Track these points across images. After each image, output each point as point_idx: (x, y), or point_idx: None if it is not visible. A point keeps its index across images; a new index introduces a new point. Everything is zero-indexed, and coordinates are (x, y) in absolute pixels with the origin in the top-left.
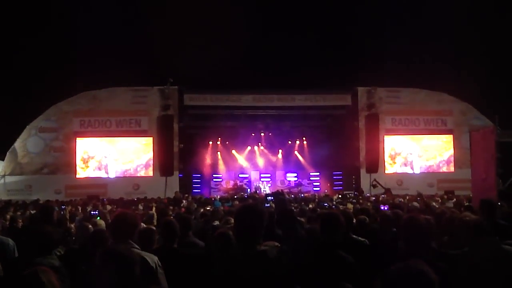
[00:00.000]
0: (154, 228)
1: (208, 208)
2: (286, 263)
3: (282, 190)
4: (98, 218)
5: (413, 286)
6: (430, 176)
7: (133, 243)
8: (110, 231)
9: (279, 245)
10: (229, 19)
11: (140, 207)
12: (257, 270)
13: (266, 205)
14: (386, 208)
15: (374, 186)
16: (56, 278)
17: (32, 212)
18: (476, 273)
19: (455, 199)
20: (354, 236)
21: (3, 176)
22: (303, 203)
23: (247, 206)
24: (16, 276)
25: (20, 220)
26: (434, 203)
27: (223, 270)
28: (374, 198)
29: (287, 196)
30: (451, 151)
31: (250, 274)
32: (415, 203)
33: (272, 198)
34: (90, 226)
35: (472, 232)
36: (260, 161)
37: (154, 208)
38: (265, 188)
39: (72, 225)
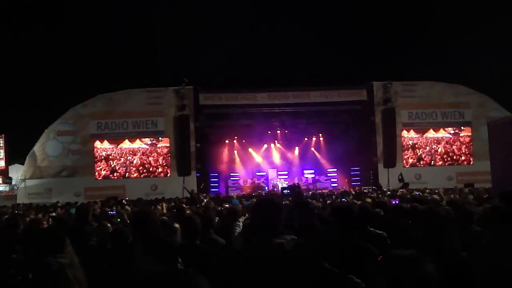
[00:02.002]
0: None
1: (226, 205)
2: (303, 255)
3: (298, 183)
4: (118, 219)
5: (404, 274)
6: (449, 169)
7: None
8: (132, 228)
9: (295, 237)
10: (242, 18)
11: (159, 207)
12: (274, 262)
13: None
14: (396, 202)
15: (401, 181)
16: (82, 273)
17: (52, 214)
18: (502, 261)
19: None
20: (371, 229)
21: (24, 180)
22: (321, 199)
23: (263, 200)
24: (43, 272)
25: (45, 222)
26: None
27: (240, 263)
28: (389, 193)
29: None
30: (469, 144)
31: (267, 267)
32: (435, 196)
33: (288, 191)
34: (109, 225)
35: (498, 219)
36: (277, 159)
37: (165, 207)
38: (283, 186)
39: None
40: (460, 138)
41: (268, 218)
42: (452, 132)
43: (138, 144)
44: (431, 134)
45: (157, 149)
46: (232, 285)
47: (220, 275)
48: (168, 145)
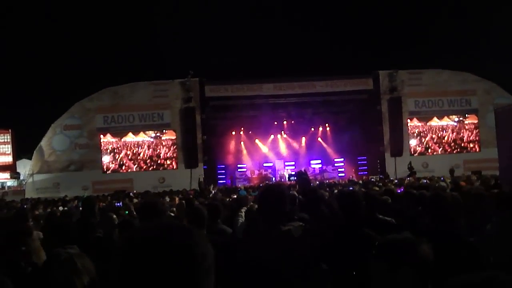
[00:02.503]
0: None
1: (234, 196)
2: (311, 242)
3: (305, 169)
4: (126, 212)
5: (403, 256)
6: (456, 157)
7: None
8: (140, 217)
9: (303, 224)
10: (247, 9)
11: (167, 199)
12: (281, 249)
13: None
14: (401, 190)
15: (410, 169)
16: (91, 263)
17: (61, 208)
18: (505, 246)
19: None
20: (380, 216)
21: (32, 175)
22: (327, 189)
23: (269, 187)
24: (52, 262)
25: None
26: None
27: (248, 250)
28: (397, 181)
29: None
30: (476, 131)
31: (275, 254)
32: (442, 183)
33: (295, 177)
34: (114, 216)
35: (503, 204)
36: (284, 149)
37: (177, 200)
38: (290, 173)
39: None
40: (465, 125)
41: (275, 205)
42: (457, 120)
43: (142, 137)
44: (435, 122)
45: (162, 141)
46: (240, 273)
47: (227, 264)
48: (173, 137)
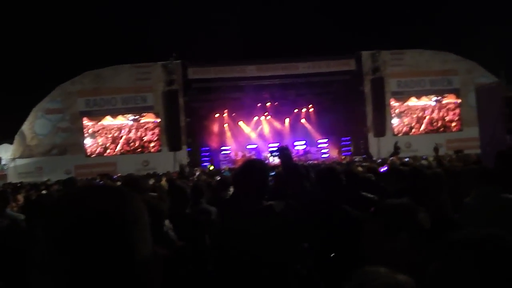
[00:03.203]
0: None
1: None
2: (293, 217)
3: (287, 145)
4: None
5: (397, 219)
6: (438, 137)
7: None
8: None
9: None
10: None
11: (150, 182)
12: (263, 224)
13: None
14: (385, 169)
15: (397, 149)
16: None
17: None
18: (478, 223)
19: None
20: (363, 193)
21: (13, 159)
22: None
23: (250, 161)
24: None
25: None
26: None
27: (230, 226)
28: (380, 160)
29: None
30: (458, 110)
31: (257, 229)
32: (424, 162)
33: (278, 153)
34: None
35: (477, 181)
36: (267, 131)
37: (164, 181)
38: (274, 159)
39: None
40: (445, 105)
41: (255, 180)
42: (435, 99)
43: (120, 120)
44: (420, 101)
45: (147, 124)
46: (225, 249)
47: (213, 241)
48: (152, 120)
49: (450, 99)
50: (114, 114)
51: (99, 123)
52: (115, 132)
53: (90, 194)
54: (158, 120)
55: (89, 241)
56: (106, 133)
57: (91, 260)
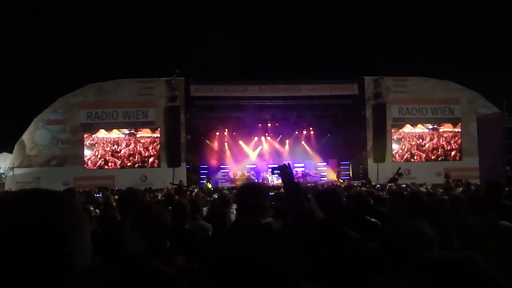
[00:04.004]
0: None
1: (215, 196)
2: (290, 237)
3: (288, 163)
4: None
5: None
6: (438, 165)
7: None
8: (120, 205)
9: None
10: (234, 10)
11: (148, 198)
12: (260, 242)
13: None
14: (383, 194)
15: (399, 175)
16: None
17: None
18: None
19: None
20: (367, 217)
21: (12, 168)
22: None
23: (248, 183)
24: None
25: None
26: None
27: (226, 243)
28: (379, 186)
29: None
30: (458, 140)
31: (253, 246)
32: (422, 188)
33: (278, 171)
34: (91, 208)
35: (471, 208)
36: (267, 151)
37: (160, 196)
38: (273, 179)
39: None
40: (441, 133)
41: (254, 200)
42: (431, 127)
43: (128, 134)
44: (420, 129)
45: (147, 139)
46: (221, 266)
47: (209, 257)
48: (158, 136)
49: (446, 128)
50: (114, 128)
51: (98, 135)
52: (112, 145)
53: (25, 197)
54: (156, 135)
55: (20, 247)
56: (103, 146)
57: (23, 267)
